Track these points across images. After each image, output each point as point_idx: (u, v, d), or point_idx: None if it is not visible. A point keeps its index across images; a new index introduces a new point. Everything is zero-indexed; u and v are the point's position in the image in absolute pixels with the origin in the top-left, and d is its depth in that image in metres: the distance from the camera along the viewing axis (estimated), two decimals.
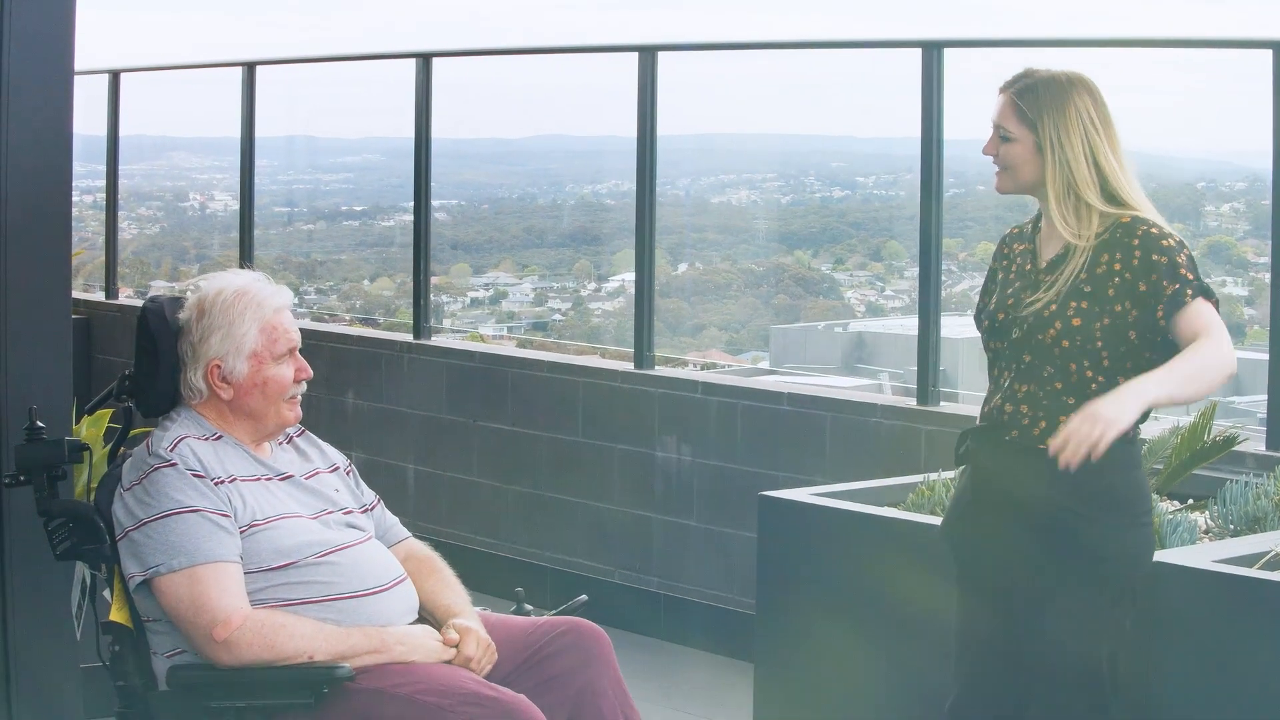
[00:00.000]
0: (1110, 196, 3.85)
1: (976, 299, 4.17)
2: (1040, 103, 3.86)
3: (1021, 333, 3.87)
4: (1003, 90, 3.94)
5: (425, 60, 8.00)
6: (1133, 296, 3.77)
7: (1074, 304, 3.80)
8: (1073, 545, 3.81)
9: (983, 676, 4.00)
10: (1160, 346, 3.78)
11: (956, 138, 6.28)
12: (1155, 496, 4.74)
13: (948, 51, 6.19)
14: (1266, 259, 7.08)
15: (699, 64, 7.39)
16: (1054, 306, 3.81)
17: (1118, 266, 3.78)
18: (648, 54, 7.03)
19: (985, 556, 3.95)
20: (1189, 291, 3.74)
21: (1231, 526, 4.73)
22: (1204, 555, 4.27)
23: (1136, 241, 3.77)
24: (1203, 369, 3.67)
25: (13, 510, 4.81)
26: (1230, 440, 4.93)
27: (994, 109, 3.95)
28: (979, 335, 4.05)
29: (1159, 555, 4.22)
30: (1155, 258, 3.76)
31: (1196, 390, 3.70)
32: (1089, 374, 3.81)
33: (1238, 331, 7.20)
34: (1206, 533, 4.75)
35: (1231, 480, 4.84)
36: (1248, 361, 7.12)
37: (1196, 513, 4.86)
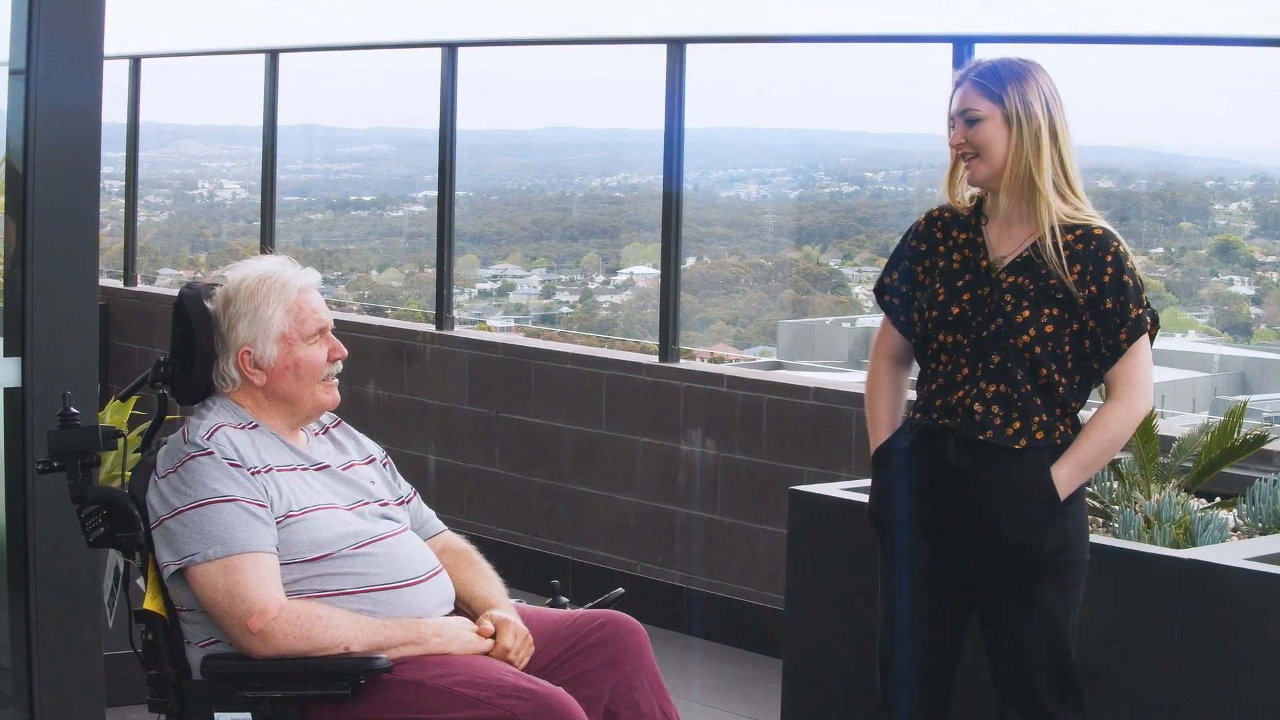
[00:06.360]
0: (1059, 188, 3.92)
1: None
2: (1002, 76, 3.93)
3: (989, 333, 3.92)
4: (960, 81, 3.98)
5: (451, 50, 7.98)
6: (1096, 311, 3.90)
7: (1047, 310, 3.89)
8: (1039, 537, 3.90)
9: (934, 663, 4.06)
10: (1106, 361, 3.93)
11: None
12: (1185, 494, 4.77)
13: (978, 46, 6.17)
14: (1274, 258, 7.07)
15: (709, 58, 7.37)
16: (1027, 313, 3.89)
17: (1089, 279, 3.89)
18: (676, 46, 7.02)
19: (946, 539, 3.98)
20: (1148, 320, 3.93)
21: (1260, 525, 4.73)
22: (1236, 553, 4.28)
23: (1110, 259, 3.89)
24: (1114, 445, 3.94)
25: (38, 498, 4.80)
26: (1261, 439, 4.93)
27: (953, 103, 3.98)
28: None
29: (1191, 554, 4.26)
30: (1124, 279, 3.90)
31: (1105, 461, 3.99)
32: (1056, 377, 3.90)
33: (1244, 330, 7.18)
34: (1235, 530, 4.76)
35: (1260, 479, 4.83)
36: (1256, 360, 7.10)
37: (1225, 510, 4.86)
